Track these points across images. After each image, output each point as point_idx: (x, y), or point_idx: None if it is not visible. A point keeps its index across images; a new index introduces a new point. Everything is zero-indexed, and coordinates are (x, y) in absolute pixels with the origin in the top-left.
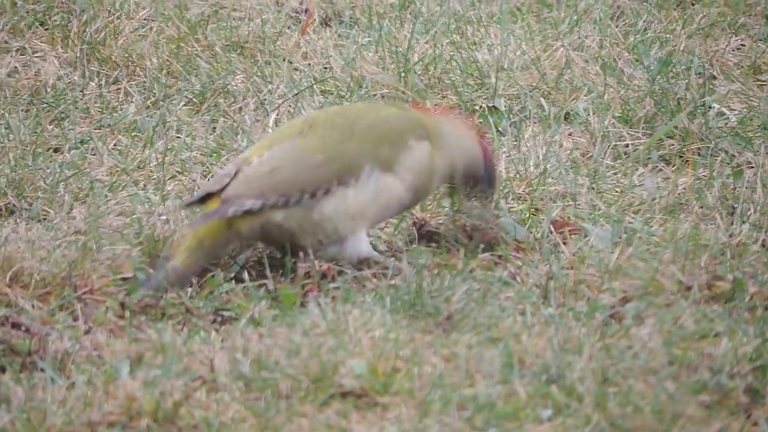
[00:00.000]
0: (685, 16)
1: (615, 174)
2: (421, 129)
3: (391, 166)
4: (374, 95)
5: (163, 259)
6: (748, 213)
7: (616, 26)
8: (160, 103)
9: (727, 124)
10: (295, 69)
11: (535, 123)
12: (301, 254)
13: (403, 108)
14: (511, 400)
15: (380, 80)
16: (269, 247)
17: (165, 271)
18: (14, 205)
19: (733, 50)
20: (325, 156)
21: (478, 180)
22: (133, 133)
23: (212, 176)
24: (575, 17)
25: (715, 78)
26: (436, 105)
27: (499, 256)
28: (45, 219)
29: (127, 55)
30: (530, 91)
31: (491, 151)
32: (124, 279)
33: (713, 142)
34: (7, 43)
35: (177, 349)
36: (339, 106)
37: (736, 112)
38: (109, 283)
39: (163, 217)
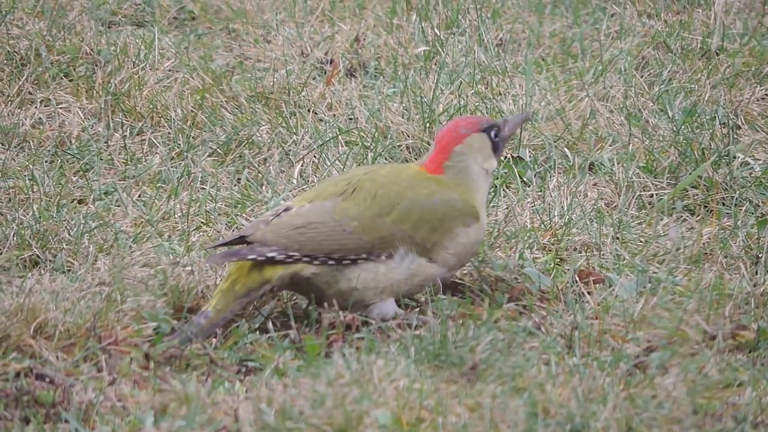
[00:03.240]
0: (710, 67)
1: (639, 224)
2: (470, 214)
3: (430, 251)
4: (399, 146)
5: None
6: None
7: (641, 76)
8: (185, 154)
9: (751, 173)
10: (320, 120)
11: (559, 173)
12: (326, 305)
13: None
14: None
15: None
16: (299, 296)
17: (197, 317)
18: (39, 257)
19: (758, 100)
20: (360, 224)
21: None
22: (158, 185)
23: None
24: (600, 68)
25: (739, 128)
26: None
27: (524, 306)
28: (69, 270)
29: (151, 106)
30: (555, 142)
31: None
32: (155, 330)
33: (737, 192)
34: (31, 94)
35: (201, 399)
36: (389, 171)
37: (760, 162)
38: (133, 333)
39: (188, 268)
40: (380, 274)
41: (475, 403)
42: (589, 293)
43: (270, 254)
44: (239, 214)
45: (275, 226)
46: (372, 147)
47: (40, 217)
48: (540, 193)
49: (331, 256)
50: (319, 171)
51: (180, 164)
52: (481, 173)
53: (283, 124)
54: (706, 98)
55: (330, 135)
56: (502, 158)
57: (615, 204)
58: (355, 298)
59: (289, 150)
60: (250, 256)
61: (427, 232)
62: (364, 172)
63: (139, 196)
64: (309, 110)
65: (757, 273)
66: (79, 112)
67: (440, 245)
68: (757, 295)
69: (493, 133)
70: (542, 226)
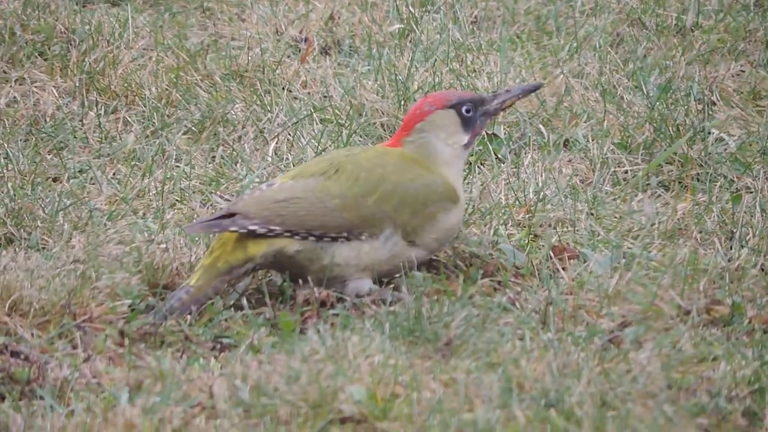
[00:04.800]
0: (685, 43)
1: (614, 200)
2: (450, 198)
3: (410, 234)
4: (373, 123)
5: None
6: (747, 237)
7: (616, 53)
8: (159, 132)
9: (726, 149)
10: (295, 98)
11: (534, 150)
12: (300, 282)
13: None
14: (510, 425)
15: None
16: (274, 273)
17: (178, 291)
18: (13, 235)
19: (733, 76)
20: (342, 203)
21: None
22: (132, 163)
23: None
24: (575, 44)
25: (714, 104)
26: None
27: (499, 282)
28: (44, 248)
29: (126, 84)
30: (530, 119)
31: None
32: (130, 307)
33: (712, 168)
34: (6, 73)
35: (176, 376)
36: (372, 155)
37: (735, 138)
38: (108, 311)
39: (163, 246)
40: (363, 253)
41: (449, 379)
42: (563, 269)
43: (251, 227)
44: (214, 191)
45: (257, 199)
46: (347, 125)
47: (14, 195)
48: (515, 170)
49: (312, 232)
50: (294, 149)
51: (154, 142)
52: (446, 150)
53: (258, 102)
54: (681, 75)
55: (305, 113)
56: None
57: (590, 180)
58: (336, 273)
59: (264, 128)
60: (232, 228)
61: (409, 216)
62: (345, 154)
63: (114, 174)
64: (283, 88)
65: (731, 248)
66: (54, 91)
67: (421, 229)
68: (732, 270)
69: (464, 109)
70: (517, 202)
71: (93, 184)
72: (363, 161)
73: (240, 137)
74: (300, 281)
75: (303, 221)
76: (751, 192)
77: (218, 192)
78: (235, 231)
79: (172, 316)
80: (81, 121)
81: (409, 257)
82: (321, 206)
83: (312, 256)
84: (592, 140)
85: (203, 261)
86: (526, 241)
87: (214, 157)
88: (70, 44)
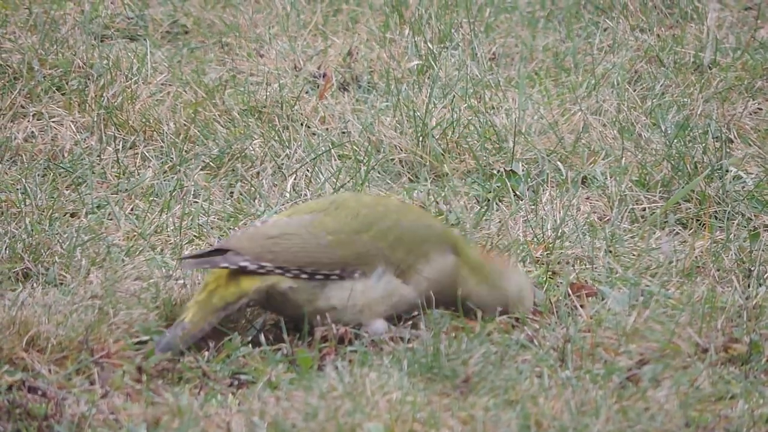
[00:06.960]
0: (703, 80)
1: (632, 237)
2: (449, 243)
3: (404, 273)
4: (392, 159)
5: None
6: (765, 275)
7: (634, 90)
8: (178, 167)
9: (744, 187)
10: (313, 133)
11: (552, 187)
12: (318, 318)
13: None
14: None
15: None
16: (283, 317)
17: (175, 329)
18: (31, 270)
19: (750, 114)
20: (336, 239)
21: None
22: (150, 198)
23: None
24: (593, 81)
25: (732, 141)
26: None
27: (517, 319)
28: (62, 283)
29: (144, 119)
30: (548, 155)
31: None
32: (140, 343)
33: (730, 206)
34: (24, 108)
35: (194, 412)
36: (375, 197)
37: (753, 176)
38: (126, 347)
39: (180, 281)
40: (357, 292)
41: (467, 416)
42: (581, 306)
43: (242, 263)
44: (232, 227)
45: (250, 235)
46: (365, 161)
47: (32, 230)
48: (533, 207)
49: (303, 269)
50: (312, 185)
51: (172, 178)
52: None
53: (276, 138)
54: (698, 112)
55: (323, 149)
56: (495, 172)
57: (608, 217)
58: (334, 319)
59: (282, 163)
60: (223, 264)
61: (403, 254)
62: (351, 195)
63: (132, 210)
64: (302, 124)
65: (749, 286)
66: (72, 126)
67: (414, 268)
68: (750, 308)
69: None
70: (535, 239)
71: (111, 219)
72: (367, 200)
73: (258, 173)
74: (317, 317)
75: (296, 257)
76: None
77: (236, 228)
78: (225, 267)
79: (168, 354)
80: (99, 156)
81: (403, 296)
82: (314, 242)
83: (307, 296)
84: (610, 177)
85: (197, 296)
86: (544, 278)
87: (232, 192)
88: (88, 79)
